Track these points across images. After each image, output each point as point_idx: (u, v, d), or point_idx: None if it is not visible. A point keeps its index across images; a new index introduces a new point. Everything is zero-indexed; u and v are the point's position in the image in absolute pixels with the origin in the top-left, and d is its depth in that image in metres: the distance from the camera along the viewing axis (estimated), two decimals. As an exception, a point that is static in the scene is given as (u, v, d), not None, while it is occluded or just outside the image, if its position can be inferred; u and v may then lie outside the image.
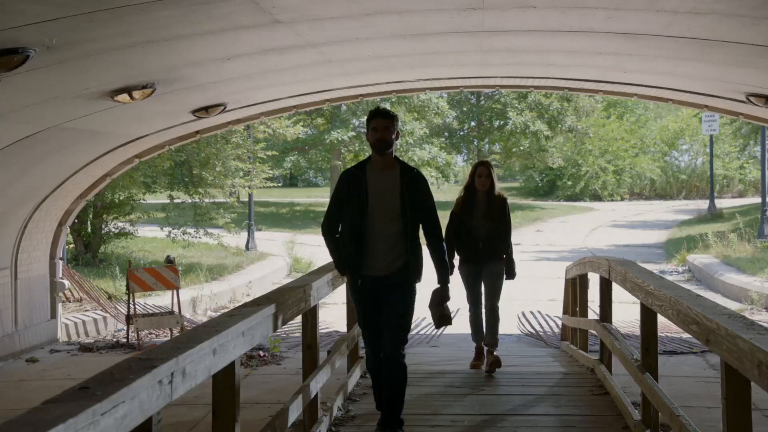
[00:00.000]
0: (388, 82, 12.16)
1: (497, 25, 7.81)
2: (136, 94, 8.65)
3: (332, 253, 6.35)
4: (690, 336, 5.08)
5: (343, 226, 6.21)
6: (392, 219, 6.08)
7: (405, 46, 8.94)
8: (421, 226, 6.23)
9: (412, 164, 45.81)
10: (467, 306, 9.02)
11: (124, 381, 2.68)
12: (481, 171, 8.73)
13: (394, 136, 6.13)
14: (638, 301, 6.00)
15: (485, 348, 8.86)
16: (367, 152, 35.60)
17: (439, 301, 6.38)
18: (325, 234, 6.33)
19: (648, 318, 5.61)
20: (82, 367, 11.24)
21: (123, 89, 8.45)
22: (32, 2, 5.39)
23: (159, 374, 2.87)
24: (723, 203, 38.74)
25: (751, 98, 10.30)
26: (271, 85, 10.67)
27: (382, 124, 6.11)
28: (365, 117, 42.68)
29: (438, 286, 6.37)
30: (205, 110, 10.88)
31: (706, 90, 11.15)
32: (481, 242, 8.66)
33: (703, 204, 36.74)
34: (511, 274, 8.89)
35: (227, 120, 12.69)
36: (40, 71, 6.89)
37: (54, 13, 5.62)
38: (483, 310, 8.86)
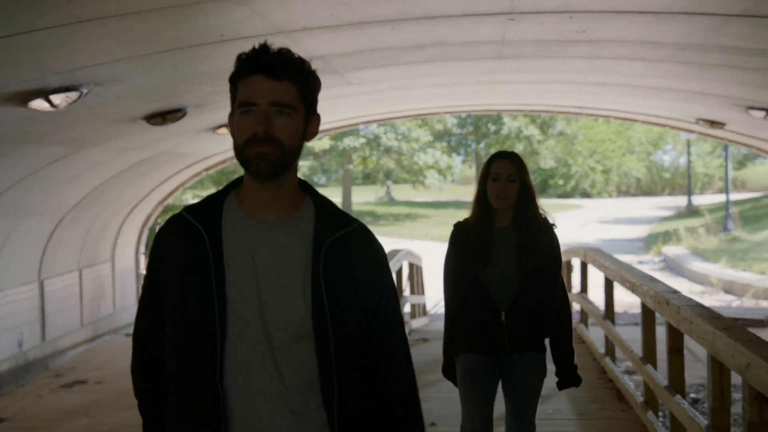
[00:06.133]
0: (413, 108, 15.04)
1: (505, 79, 10.70)
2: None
3: None
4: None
5: (169, 368, 2.26)
6: (295, 339, 2.18)
7: (434, 91, 11.84)
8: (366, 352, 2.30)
9: (415, 168, 44.58)
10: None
11: None
12: (499, 169, 4.48)
13: (301, 130, 2.25)
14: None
15: None
16: (381, 158, 37.14)
17: None
18: (135, 384, 2.38)
19: (608, 284, 8.49)
20: (170, 341, 14.10)
21: (224, 125, 11.26)
22: (197, 83, 8.23)
23: None
24: (704, 199, 40.78)
25: (700, 121, 13.24)
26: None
27: (266, 93, 2.17)
28: (375, 125, 40.33)
29: None
30: (268, 133, 13.66)
31: (666, 115, 14.04)
32: (505, 311, 4.39)
33: (684, 201, 38.70)
34: (570, 377, 4.64)
35: (279, 140, 15.47)
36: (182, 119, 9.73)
37: (210, 89, 8.46)
38: None
